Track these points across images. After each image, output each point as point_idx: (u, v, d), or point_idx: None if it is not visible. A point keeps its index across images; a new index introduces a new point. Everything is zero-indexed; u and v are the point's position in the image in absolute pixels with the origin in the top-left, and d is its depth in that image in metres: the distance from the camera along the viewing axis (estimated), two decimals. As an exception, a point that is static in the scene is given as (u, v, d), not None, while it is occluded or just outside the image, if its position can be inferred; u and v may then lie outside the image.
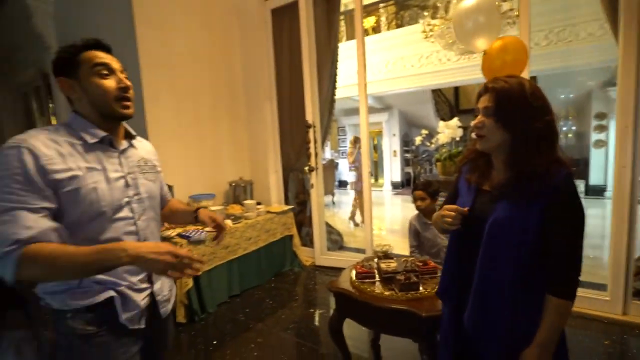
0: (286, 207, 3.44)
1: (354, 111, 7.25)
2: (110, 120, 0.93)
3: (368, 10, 7.53)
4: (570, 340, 2.01)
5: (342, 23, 7.40)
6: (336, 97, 3.46)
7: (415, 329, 1.39)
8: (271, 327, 2.37)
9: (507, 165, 0.93)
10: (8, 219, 0.73)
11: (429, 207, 2.15)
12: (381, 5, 7.53)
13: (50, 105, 3.97)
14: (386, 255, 1.77)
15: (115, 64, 0.92)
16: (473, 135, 0.98)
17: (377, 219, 6.24)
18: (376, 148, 10.86)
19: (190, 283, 2.42)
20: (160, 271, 0.76)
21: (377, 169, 10.77)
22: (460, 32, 2.07)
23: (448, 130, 3.54)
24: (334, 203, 7.92)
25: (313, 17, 3.24)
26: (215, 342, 2.21)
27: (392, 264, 1.64)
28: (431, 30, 3.26)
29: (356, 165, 5.48)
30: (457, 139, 3.69)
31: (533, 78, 5.42)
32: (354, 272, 1.68)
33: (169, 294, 1.05)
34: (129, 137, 1.02)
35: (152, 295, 0.98)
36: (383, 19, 7.70)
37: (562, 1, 4.86)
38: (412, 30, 5.93)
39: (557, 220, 0.86)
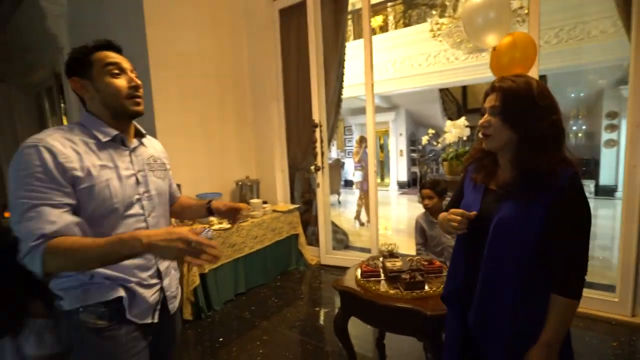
0: (292, 206, 3.45)
1: (361, 111, 7.24)
2: (121, 118, 0.95)
3: (375, 10, 7.51)
4: (578, 342, 2.01)
5: (350, 22, 7.39)
6: (343, 96, 3.47)
7: (420, 328, 1.39)
8: (276, 325, 2.39)
9: (513, 165, 0.93)
10: (33, 215, 0.75)
11: (437, 206, 2.15)
12: (389, 4, 7.50)
13: (62, 105, 4.05)
14: (392, 254, 1.77)
15: (125, 63, 0.95)
16: (480, 134, 0.98)
17: (383, 218, 6.23)
18: (382, 147, 10.82)
19: (197, 281, 2.45)
20: (175, 257, 0.77)
21: (383, 168, 10.73)
22: (469, 28, 2.04)
23: (455, 130, 3.51)
24: (339, 202, 7.93)
25: (321, 17, 3.25)
26: (221, 339, 2.24)
27: (398, 263, 1.65)
28: (439, 29, 3.24)
29: (362, 165, 5.47)
30: (465, 138, 3.67)
31: (543, 77, 5.36)
32: (359, 271, 1.69)
33: (176, 291, 1.08)
34: (139, 135, 1.04)
35: (162, 291, 1.00)
36: (391, 18, 7.67)
37: (574, -2, 4.79)
38: (420, 29, 5.91)
39: (563, 219, 0.85)
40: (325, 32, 3.28)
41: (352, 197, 8.20)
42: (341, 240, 3.81)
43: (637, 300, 2.20)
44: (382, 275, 1.65)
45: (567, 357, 0.92)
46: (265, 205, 3.23)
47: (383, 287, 1.55)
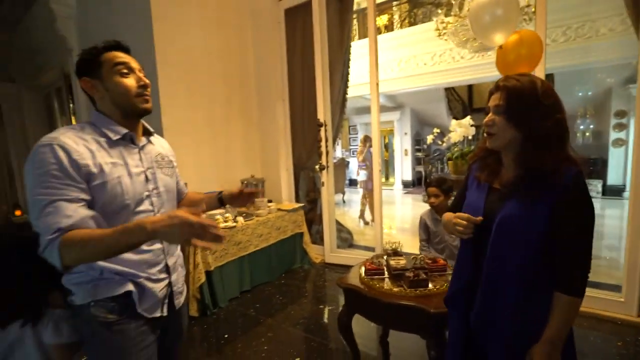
0: (297, 205, 3.47)
1: (366, 110, 7.24)
2: (131, 117, 0.98)
3: (381, 9, 7.48)
4: (583, 341, 2.00)
5: (355, 22, 7.38)
6: (348, 95, 3.48)
7: (424, 325, 1.40)
8: (281, 322, 2.41)
9: (517, 164, 0.93)
10: (51, 210, 0.78)
11: (442, 204, 2.17)
12: (394, 3, 7.48)
13: (71, 105, 4.12)
14: (395, 253, 1.77)
15: (134, 63, 0.97)
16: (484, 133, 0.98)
17: (387, 217, 6.23)
18: (387, 147, 10.80)
19: (202, 278, 2.49)
20: (180, 241, 0.77)
21: (387, 167, 10.71)
22: (477, 25, 2.03)
23: (460, 129, 3.49)
24: (344, 201, 7.93)
25: (326, 16, 3.26)
26: (226, 335, 2.27)
27: (402, 261, 1.65)
28: (445, 27, 3.23)
29: (366, 164, 5.47)
30: (470, 137, 3.64)
31: (549, 75, 5.31)
32: (363, 269, 1.70)
33: (182, 287, 1.10)
34: (146, 133, 1.07)
35: (170, 286, 1.03)
36: (396, 17, 7.64)
37: (582, -4, 4.73)
38: (425, 28, 5.88)
39: (566, 218, 0.85)
40: (330, 31, 3.29)
41: (356, 196, 8.19)
42: (345, 239, 3.82)
43: (644, 300, 2.18)
44: (386, 273, 1.66)
45: (569, 355, 0.93)
46: (270, 204, 3.25)
47: (387, 284, 1.56)
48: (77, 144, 0.86)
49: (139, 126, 1.03)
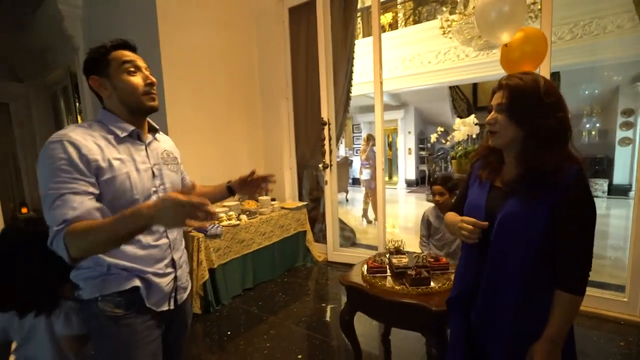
0: (300, 204, 3.49)
1: (370, 108, 7.21)
2: (138, 114, 0.99)
3: (385, 7, 7.46)
4: (586, 340, 2.00)
5: (359, 20, 7.35)
6: (352, 94, 3.47)
7: (425, 323, 1.40)
8: (283, 319, 2.43)
9: (519, 162, 0.93)
10: (59, 203, 0.80)
11: (447, 202, 2.18)
12: (399, 1, 7.44)
13: (77, 104, 4.16)
14: (398, 251, 1.78)
15: (140, 62, 0.99)
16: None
17: (390, 216, 6.21)
18: (391, 145, 10.77)
19: (206, 275, 2.51)
20: (177, 224, 0.77)
21: (391, 166, 10.69)
22: (483, 23, 2.02)
23: (464, 128, 3.47)
24: (347, 200, 7.94)
25: (330, 15, 3.26)
26: (229, 332, 2.29)
27: (404, 259, 1.66)
28: (449, 26, 3.22)
29: (369, 163, 5.47)
30: (474, 136, 3.63)
31: (555, 74, 5.26)
32: (365, 267, 1.71)
33: (186, 283, 1.12)
34: (152, 130, 1.08)
35: (175, 280, 1.04)
36: (400, 15, 7.61)
37: (589, -7, 4.68)
38: (430, 26, 5.84)
39: (567, 216, 0.86)
40: (334, 30, 3.29)
41: (359, 194, 8.18)
42: (348, 237, 3.83)
43: (648, 300, 2.17)
44: (388, 271, 1.67)
45: (569, 353, 0.93)
46: (273, 202, 3.27)
47: (389, 282, 1.57)
48: (86, 140, 0.88)
49: (144, 123, 1.04)
